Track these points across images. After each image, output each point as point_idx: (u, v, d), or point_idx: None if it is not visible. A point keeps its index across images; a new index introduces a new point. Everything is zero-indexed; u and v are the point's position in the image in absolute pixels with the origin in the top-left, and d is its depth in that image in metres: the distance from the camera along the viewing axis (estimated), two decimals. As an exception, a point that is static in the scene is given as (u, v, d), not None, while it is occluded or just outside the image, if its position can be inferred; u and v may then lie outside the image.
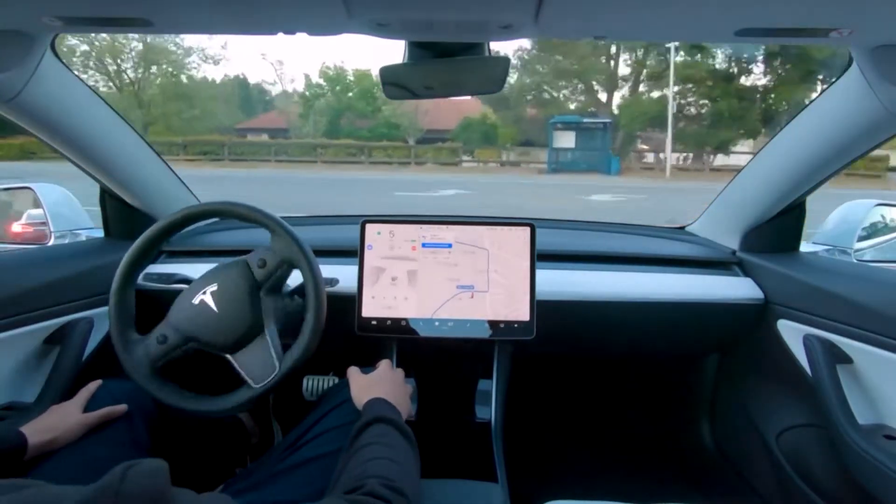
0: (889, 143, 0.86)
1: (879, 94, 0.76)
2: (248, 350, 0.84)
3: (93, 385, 0.83)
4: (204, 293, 0.84)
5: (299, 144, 19.96)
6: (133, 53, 20.26)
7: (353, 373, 0.83)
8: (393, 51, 0.78)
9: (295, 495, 0.72)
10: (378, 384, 0.78)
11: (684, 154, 18.04)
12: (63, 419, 0.76)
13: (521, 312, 1.00)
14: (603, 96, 19.97)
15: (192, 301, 0.84)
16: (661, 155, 17.11)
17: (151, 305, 0.94)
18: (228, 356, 0.84)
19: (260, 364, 0.83)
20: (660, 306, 1.11)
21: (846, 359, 0.89)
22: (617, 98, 19.91)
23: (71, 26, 0.69)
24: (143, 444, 0.80)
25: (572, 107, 19.81)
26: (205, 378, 0.91)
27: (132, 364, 0.83)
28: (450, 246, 1.02)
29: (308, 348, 0.83)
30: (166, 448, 0.86)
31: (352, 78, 22.18)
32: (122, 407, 0.80)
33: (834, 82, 0.85)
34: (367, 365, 0.88)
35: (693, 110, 17.70)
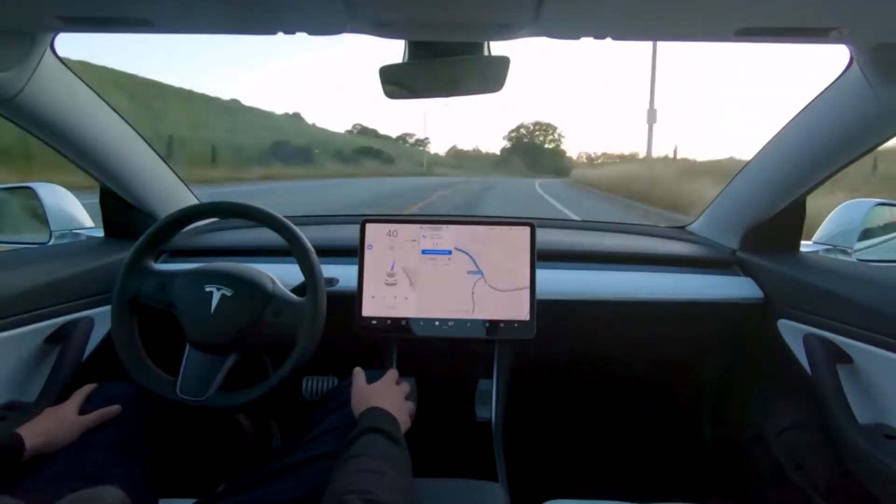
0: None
1: (879, 93, 0.76)
2: (204, 357, 0.85)
3: (87, 387, 0.83)
4: (219, 289, 0.85)
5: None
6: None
7: (358, 377, 0.83)
8: (393, 51, 0.78)
9: (292, 496, 0.72)
10: (378, 395, 0.78)
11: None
12: (59, 421, 0.76)
13: (522, 312, 1.00)
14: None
15: (204, 286, 0.85)
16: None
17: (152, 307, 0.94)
18: (188, 345, 0.86)
19: (199, 377, 0.84)
20: (660, 306, 1.11)
21: (846, 358, 0.89)
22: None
23: (71, 26, 0.69)
24: (140, 446, 0.80)
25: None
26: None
27: (123, 284, 0.86)
28: (449, 253, 1.02)
29: (249, 400, 0.84)
30: (163, 449, 0.86)
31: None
32: (116, 407, 0.80)
33: (834, 81, 0.85)
34: (368, 365, 0.88)
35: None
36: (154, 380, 0.84)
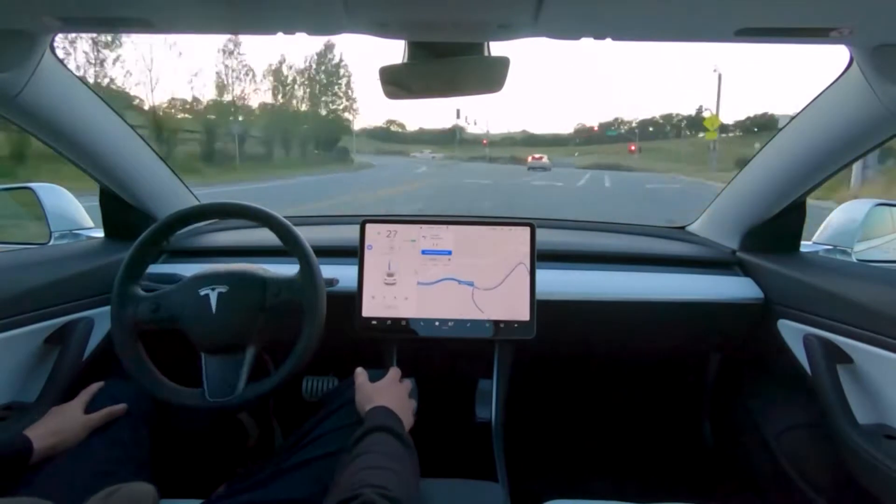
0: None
1: (879, 94, 0.76)
2: (221, 359, 0.84)
3: (94, 386, 0.83)
4: (213, 290, 0.84)
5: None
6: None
7: (361, 377, 0.83)
8: (393, 51, 0.78)
9: (295, 495, 0.72)
10: (382, 393, 0.78)
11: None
12: (66, 421, 0.76)
13: (522, 312, 1.00)
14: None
15: (199, 291, 0.85)
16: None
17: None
18: (202, 354, 0.85)
19: (223, 379, 0.83)
20: (660, 306, 1.11)
21: (846, 359, 0.89)
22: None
23: (71, 26, 0.69)
24: (145, 445, 0.81)
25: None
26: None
27: (119, 318, 0.84)
28: (449, 253, 1.02)
29: (279, 384, 0.83)
30: (167, 448, 0.86)
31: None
32: (122, 406, 0.80)
33: (834, 81, 0.85)
34: (368, 365, 0.88)
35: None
36: (179, 394, 0.83)
